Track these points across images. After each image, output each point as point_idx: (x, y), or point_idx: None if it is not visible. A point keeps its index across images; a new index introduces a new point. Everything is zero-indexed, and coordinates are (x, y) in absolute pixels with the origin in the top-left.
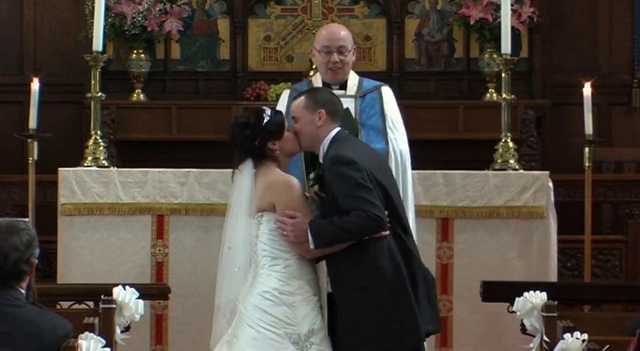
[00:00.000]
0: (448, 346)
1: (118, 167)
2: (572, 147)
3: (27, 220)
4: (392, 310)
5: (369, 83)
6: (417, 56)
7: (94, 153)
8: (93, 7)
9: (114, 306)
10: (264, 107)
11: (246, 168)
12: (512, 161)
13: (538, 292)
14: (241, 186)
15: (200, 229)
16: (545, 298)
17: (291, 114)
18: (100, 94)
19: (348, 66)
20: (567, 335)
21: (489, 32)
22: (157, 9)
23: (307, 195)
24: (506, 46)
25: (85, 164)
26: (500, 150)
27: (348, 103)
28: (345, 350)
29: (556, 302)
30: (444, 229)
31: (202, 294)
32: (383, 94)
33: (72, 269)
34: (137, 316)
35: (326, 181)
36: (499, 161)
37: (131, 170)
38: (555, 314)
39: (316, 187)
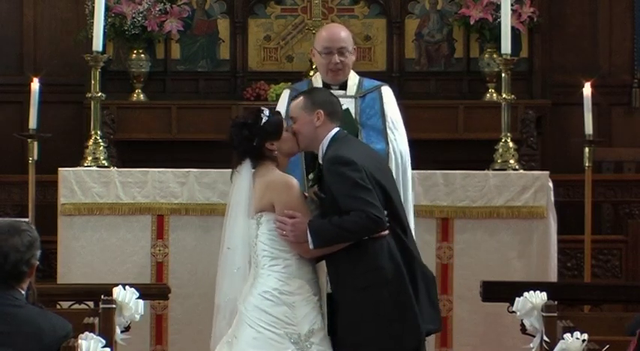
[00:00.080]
0: (448, 346)
1: (118, 167)
2: (572, 147)
3: (27, 220)
4: (392, 310)
5: (369, 83)
6: (417, 56)
7: (94, 153)
8: (93, 7)
9: (114, 306)
10: (262, 107)
11: (245, 168)
12: (512, 161)
13: (538, 292)
14: (240, 186)
15: (200, 229)
16: (545, 298)
17: (290, 114)
18: (100, 94)
19: (348, 67)
20: (567, 335)
21: (489, 32)
22: (157, 9)
23: (306, 195)
24: (506, 46)
25: (85, 164)
26: (500, 150)
27: (348, 104)
28: (346, 350)
29: (556, 302)
30: (444, 229)
31: (202, 294)
32: (383, 94)
33: (72, 269)
34: (137, 316)
35: (325, 182)
36: (499, 161)
37: (131, 170)
38: (555, 314)
39: (316, 188)
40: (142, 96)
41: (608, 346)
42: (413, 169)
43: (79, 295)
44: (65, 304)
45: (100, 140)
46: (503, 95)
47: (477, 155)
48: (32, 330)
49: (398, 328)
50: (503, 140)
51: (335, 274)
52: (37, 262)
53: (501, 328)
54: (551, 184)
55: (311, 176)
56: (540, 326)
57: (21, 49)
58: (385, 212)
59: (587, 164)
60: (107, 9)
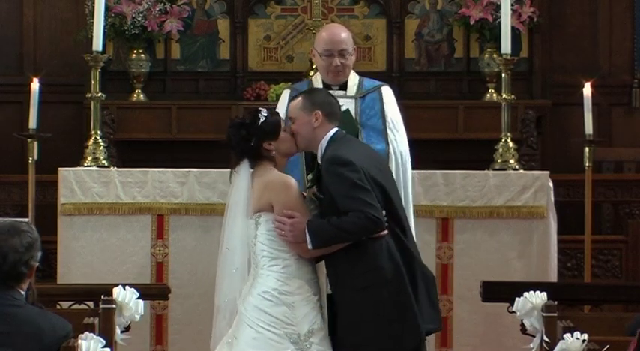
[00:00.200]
0: (448, 346)
1: (118, 167)
2: (572, 147)
3: (28, 220)
4: (392, 310)
5: (369, 83)
6: (417, 56)
7: (94, 153)
8: (93, 7)
9: (114, 306)
10: (260, 108)
11: (243, 169)
12: (512, 161)
13: (538, 292)
14: (238, 187)
15: (200, 229)
16: (545, 298)
17: (288, 115)
18: (100, 94)
19: (349, 68)
20: (567, 335)
21: (489, 32)
22: (157, 9)
23: (305, 195)
24: (506, 46)
25: (85, 164)
26: (500, 150)
27: (349, 104)
28: (346, 350)
29: (556, 302)
30: (444, 229)
31: (202, 294)
32: (383, 94)
33: (72, 269)
34: (137, 316)
35: (324, 182)
36: (499, 161)
37: (131, 170)
38: (555, 314)
39: (314, 189)
40: (142, 96)
41: (608, 346)
42: (413, 169)
43: (79, 295)
44: (65, 304)
45: (100, 140)
46: (503, 95)
47: (477, 155)
48: (32, 330)
49: (397, 328)
50: (503, 140)
51: (334, 274)
52: (37, 263)
53: (501, 328)
54: (551, 184)
55: (310, 177)
56: (540, 326)
57: (21, 49)
58: (384, 212)
59: (587, 164)
60: (107, 9)
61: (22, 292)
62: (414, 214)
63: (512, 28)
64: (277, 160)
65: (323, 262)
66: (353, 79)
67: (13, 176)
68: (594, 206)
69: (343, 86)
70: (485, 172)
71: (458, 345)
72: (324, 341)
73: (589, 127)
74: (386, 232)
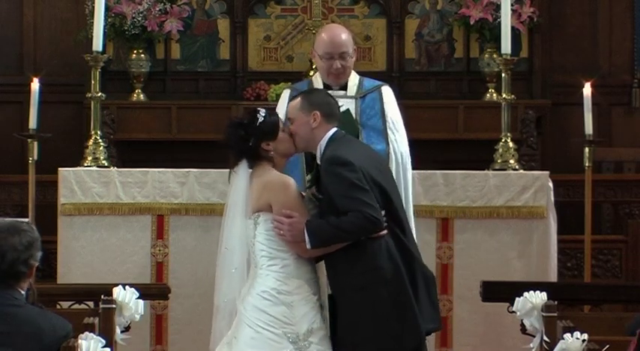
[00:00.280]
0: (448, 346)
1: (118, 167)
2: (572, 147)
3: (28, 220)
4: (391, 310)
5: (369, 83)
6: (417, 56)
7: (94, 153)
8: (93, 7)
9: (114, 306)
10: (258, 108)
11: (242, 169)
12: (512, 161)
13: (538, 292)
14: (237, 187)
15: (200, 229)
16: (545, 298)
17: (287, 115)
18: (100, 94)
19: (349, 69)
20: (567, 335)
21: (489, 32)
22: (157, 9)
23: (304, 195)
24: (506, 46)
25: (85, 164)
26: (500, 150)
27: (349, 104)
28: (345, 350)
29: (556, 302)
30: (444, 229)
31: (202, 294)
32: (383, 95)
33: (72, 269)
34: (137, 316)
35: (323, 182)
36: (499, 161)
37: (131, 170)
38: (555, 314)
39: (314, 189)
40: (142, 96)
41: (608, 346)
42: (413, 169)
43: (79, 295)
44: (65, 304)
45: (100, 140)
46: (503, 95)
47: (477, 155)
48: (32, 330)
49: (397, 327)
50: (503, 140)
51: (333, 274)
52: (37, 263)
53: (501, 328)
54: (551, 184)
55: (309, 177)
56: (540, 326)
57: (21, 49)
58: (383, 212)
59: (587, 164)
60: (107, 9)
61: (23, 292)
62: (414, 214)
63: (512, 28)
64: (276, 161)
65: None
66: (353, 79)
67: (13, 176)
68: (594, 206)
69: (343, 86)
70: (486, 172)
71: (458, 345)
72: (324, 341)
73: (589, 127)
74: (385, 232)
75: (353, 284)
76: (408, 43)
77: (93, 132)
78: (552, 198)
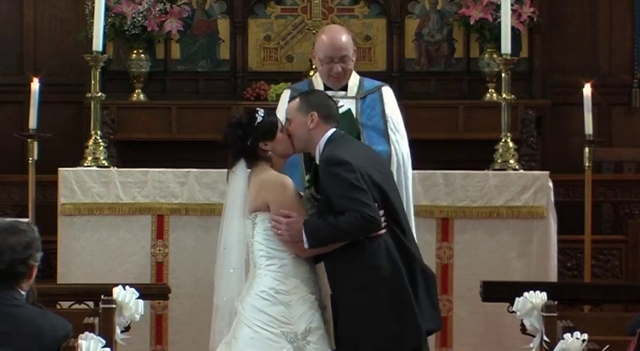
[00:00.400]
0: (448, 346)
1: (118, 167)
2: (572, 147)
3: (28, 220)
4: (390, 310)
5: (369, 84)
6: (417, 56)
7: (94, 153)
8: (93, 7)
9: (114, 306)
10: (257, 108)
11: (240, 168)
12: (512, 161)
13: (538, 292)
14: (235, 186)
15: (200, 229)
16: (545, 298)
17: (286, 116)
18: (100, 94)
19: (350, 72)
20: (567, 335)
21: (489, 32)
22: (157, 9)
23: (302, 194)
24: (506, 46)
25: (85, 164)
26: (500, 150)
27: (349, 104)
28: (345, 350)
29: (556, 302)
30: (444, 229)
31: (202, 294)
32: (383, 95)
33: (72, 269)
34: (137, 316)
35: (321, 183)
36: (499, 161)
37: (131, 170)
38: (555, 314)
39: (313, 189)
40: (142, 96)
41: (608, 346)
42: (413, 169)
43: (79, 295)
44: (65, 304)
45: (100, 140)
46: (503, 95)
47: (477, 155)
48: (32, 330)
49: (397, 327)
50: (503, 140)
51: (332, 273)
52: (37, 263)
53: (501, 328)
54: (551, 184)
55: (307, 177)
56: (540, 326)
57: (21, 49)
58: (382, 212)
59: (587, 164)
60: (107, 9)
61: (23, 293)
62: (414, 214)
63: (512, 28)
64: (274, 161)
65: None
66: (353, 79)
67: (13, 176)
68: (594, 206)
69: (344, 87)
70: (486, 172)
71: (458, 345)
72: (322, 340)
73: (589, 127)
74: (384, 231)
75: (352, 284)
76: (408, 43)
77: (93, 132)
78: (552, 198)
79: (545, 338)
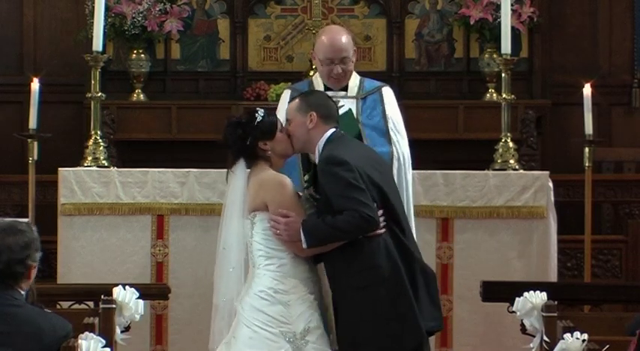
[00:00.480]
0: (448, 346)
1: (118, 167)
2: (572, 147)
3: (28, 220)
4: (390, 309)
5: (369, 84)
6: (417, 56)
7: (94, 153)
8: (93, 7)
9: (114, 306)
10: (257, 108)
11: (239, 168)
12: (512, 161)
13: (538, 292)
14: (235, 186)
15: (200, 229)
16: (545, 298)
17: (285, 116)
18: (100, 94)
19: (350, 72)
20: (567, 335)
21: (489, 32)
22: (157, 9)
23: (300, 194)
24: (506, 46)
25: (85, 164)
26: (500, 150)
27: (350, 105)
28: (345, 349)
29: (556, 302)
30: (444, 229)
31: (202, 294)
32: (384, 95)
33: (72, 269)
34: (137, 316)
35: (319, 182)
36: (499, 161)
37: (131, 170)
38: (555, 314)
39: (311, 189)
40: (142, 96)
41: (608, 346)
42: (413, 169)
43: (79, 295)
44: (65, 304)
45: (100, 140)
46: (503, 95)
47: (477, 155)
48: (32, 330)
49: (397, 327)
50: (503, 140)
51: (331, 273)
52: (36, 263)
53: (501, 328)
54: (551, 184)
55: (306, 177)
56: (540, 326)
57: (21, 49)
58: (381, 212)
59: (587, 164)
60: (107, 9)
61: (22, 293)
62: (414, 214)
63: (512, 28)
64: (274, 161)
65: None
66: (354, 79)
67: (13, 176)
68: (594, 206)
69: (344, 87)
70: (486, 172)
71: (458, 345)
72: (321, 340)
73: (589, 127)
74: (383, 231)
75: (351, 283)
76: (408, 43)
77: (93, 132)
78: (552, 198)
79: (545, 338)
